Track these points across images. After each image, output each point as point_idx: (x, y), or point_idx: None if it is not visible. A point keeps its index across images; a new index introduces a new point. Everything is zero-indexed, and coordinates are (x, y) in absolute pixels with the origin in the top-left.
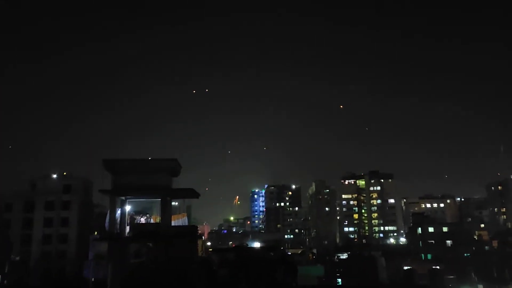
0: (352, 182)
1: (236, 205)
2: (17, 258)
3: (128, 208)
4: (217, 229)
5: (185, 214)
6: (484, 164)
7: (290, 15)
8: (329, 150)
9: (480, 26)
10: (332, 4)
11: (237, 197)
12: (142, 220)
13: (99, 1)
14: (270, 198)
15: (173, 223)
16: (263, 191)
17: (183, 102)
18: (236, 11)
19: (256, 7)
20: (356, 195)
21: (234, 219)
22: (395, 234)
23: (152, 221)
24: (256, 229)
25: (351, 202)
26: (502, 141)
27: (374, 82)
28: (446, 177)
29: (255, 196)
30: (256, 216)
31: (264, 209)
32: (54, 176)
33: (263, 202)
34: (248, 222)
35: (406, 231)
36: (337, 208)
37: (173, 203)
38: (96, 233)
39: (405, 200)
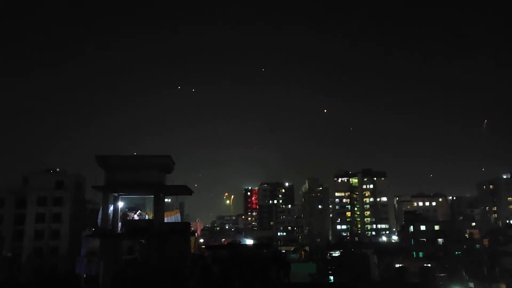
0: (345, 180)
1: (227, 202)
2: (9, 254)
3: (120, 204)
4: (209, 226)
5: (178, 210)
6: (475, 164)
7: (268, 26)
8: (322, 150)
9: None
10: (313, 15)
11: (226, 194)
12: (135, 216)
13: (98, 10)
14: (263, 195)
15: (166, 220)
16: (256, 188)
17: (176, 106)
18: (221, 21)
19: (237, 19)
20: (349, 193)
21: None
22: (387, 232)
23: (147, 217)
24: (249, 226)
25: (344, 200)
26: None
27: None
28: (431, 176)
29: (248, 193)
30: (249, 213)
31: (257, 207)
32: (47, 172)
33: (256, 199)
34: (243, 217)
35: (398, 229)
36: (330, 206)
37: (166, 200)
38: (88, 229)
39: (397, 198)
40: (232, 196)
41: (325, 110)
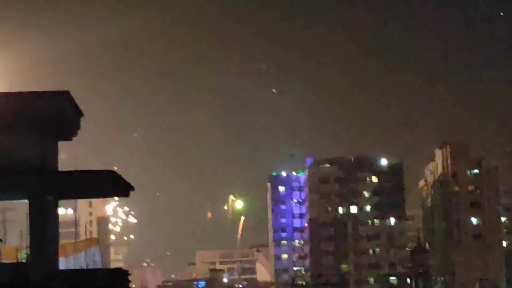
0: None
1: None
2: None
3: None
4: (179, 279)
5: (96, 240)
6: None
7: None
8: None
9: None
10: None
11: (231, 198)
12: None
13: None
14: (323, 193)
15: (63, 262)
16: (301, 175)
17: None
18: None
19: None
20: None
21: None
22: None
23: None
24: (286, 275)
25: None
26: None
27: None
28: None
29: (280, 189)
30: (285, 239)
31: (306, 224)
32: None
33: (301, 203)
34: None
35: None
36: (504, 220)
37: (64, 212)
38: None
39: None
40: (235, 201)
41: None
